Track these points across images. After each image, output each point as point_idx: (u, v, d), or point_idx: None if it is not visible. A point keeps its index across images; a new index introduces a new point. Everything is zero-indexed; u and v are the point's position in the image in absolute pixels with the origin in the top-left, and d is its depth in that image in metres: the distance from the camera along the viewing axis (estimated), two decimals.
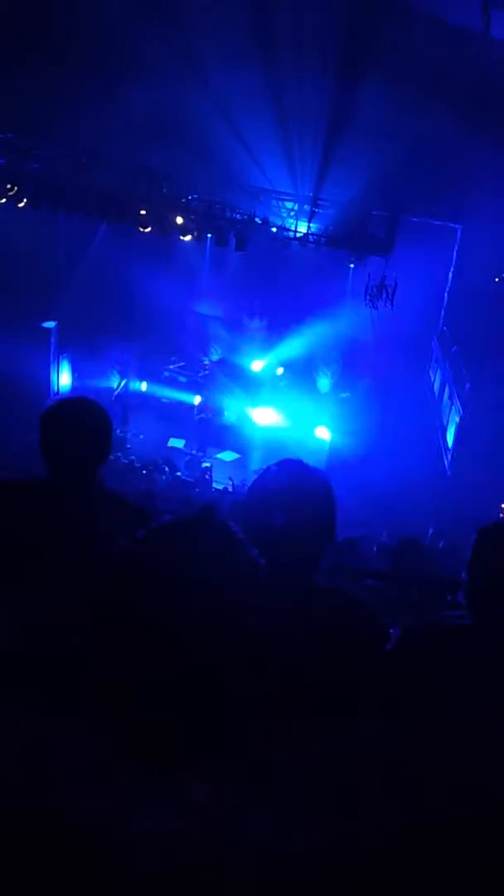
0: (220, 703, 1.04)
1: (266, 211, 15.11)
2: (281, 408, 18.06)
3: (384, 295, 14.60)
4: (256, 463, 15.53)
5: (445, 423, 16.51)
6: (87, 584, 1.18)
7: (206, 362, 19.65)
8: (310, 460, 2.14)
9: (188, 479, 15.59)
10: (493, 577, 2.18)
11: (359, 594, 2.15)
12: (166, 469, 15.23)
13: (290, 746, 1.13)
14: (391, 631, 2.25)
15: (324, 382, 18.92)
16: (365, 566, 6.38)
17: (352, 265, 15.80)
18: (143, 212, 14.94)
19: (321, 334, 17.77)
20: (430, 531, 10.14)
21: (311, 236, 15.02)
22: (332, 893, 0.96)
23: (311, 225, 15.10)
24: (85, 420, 2.62)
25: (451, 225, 16.69)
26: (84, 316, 18.01)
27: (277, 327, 19.14)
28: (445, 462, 15.70)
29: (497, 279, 15.91)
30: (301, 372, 18.87)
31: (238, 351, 19.54)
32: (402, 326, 16.59)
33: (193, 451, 17.14)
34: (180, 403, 18.73)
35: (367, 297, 14.83)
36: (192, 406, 18.41)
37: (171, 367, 19.66)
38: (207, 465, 16.36)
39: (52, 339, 17.55)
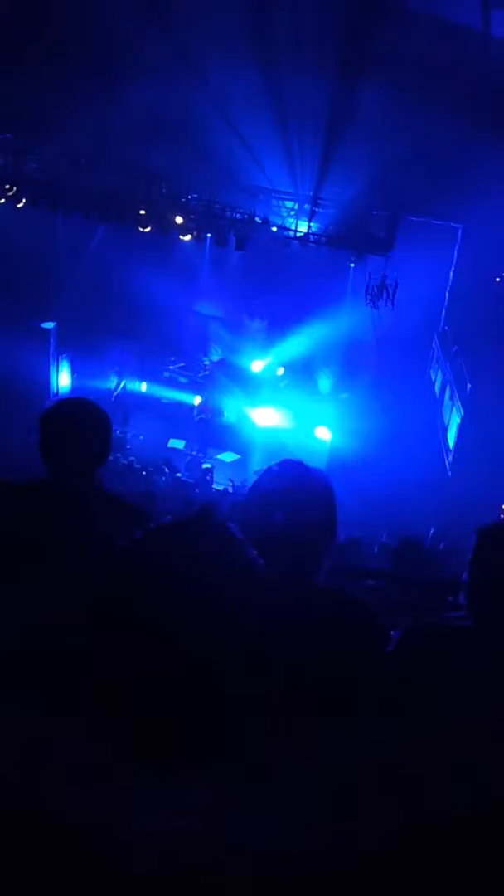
0: (220, 703, 1.04)
1: (266, 210, 15.11)
2: (281, 408, 18.06)
3: (385, 295, 14.61)
4: (257, 463, 15.53)
5: (446, 423, 16.50)
6: (86, 585, 1.18)
7: (206, 363, 19.65)
8: (310, 461, 2.14)
9: (188, 479, 15.60)
10: (494, 578, 2.17)
11: (359, 595, 2.15)
12: (166, 470, 15.23)
13: (290, 747, 1.13)
14: (392, 632, 2.24)
15: (324, 383, 18.93)
16: (365, 566, 6.38)
17: (352, 265, 15.79)
18: (142, 211, 14.94)
19: (321, 334, 17.76)
20: (431, 532, 10.13)
21: (311, 236, 15.01)
22: (332, 893, 0.96)
23: (312, 224, 15.10)
24: (84, 421, 2.62)
25: (452, 224, 16.68)
26: (83, 316, 18.01)
27: (278, 327, 19.13)
28: (446, 462, 15.69)
29: (498, 279, 15.92)
30: (301, 372, 18.87)
31: (238, 351, 19.54)
32: (402, 326, 16.59)
33: (193, 452, 17.14)
34: (180, 404, 18.73)
35: (368, 297, 14.83)
36: (192, 406, 18.41)
37: (171, 367, 19.66)
38: (208, 465, 16.36)
39: (52, 340, 17.55)
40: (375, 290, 14.70)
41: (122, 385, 18.37)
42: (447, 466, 15.54)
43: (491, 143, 12.72)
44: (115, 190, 14.64)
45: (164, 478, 14.95)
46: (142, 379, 19.24)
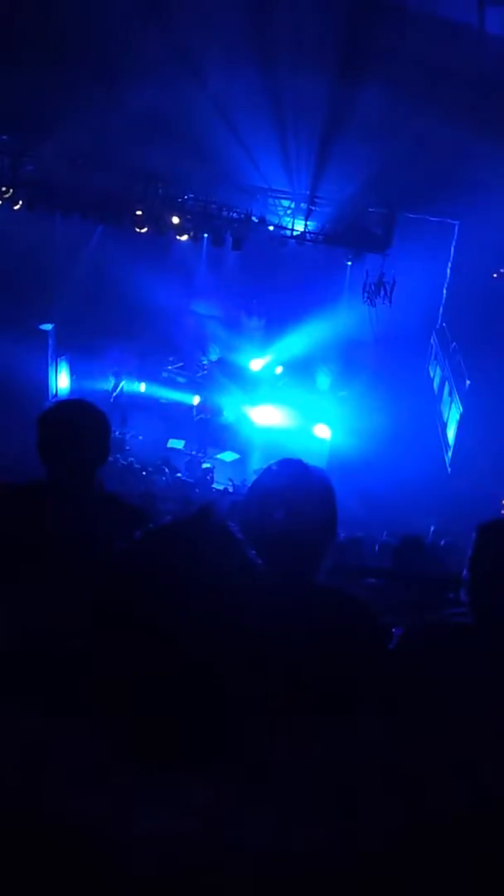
0: (220, 703, 1.04)
1: (263, 209, 15.11)
2: (280, 407, 18.04)
3: (382, 292, 14.61)
4: (256, 463, 15.53)
5: (445, 420, 16.50)
6: (86, 586, 1.18)
7: (205, 362, 19.63)
8: (310, 459, 2.14)
9: (188, 479, 15.59)
10: (495, 574, 2.17)
11: (359, 594, 2.15)
12: (166, 470, 15.22)
13: (290, 746, 1.13)
14: (393, 630, 2.24)
15: (323, 381, 18.91)
16: (366, 565, 6.38)
17: (349, 263, 15.80)
18: (139, 212, 14.93)
19: (320, 332, 17.74)
20: (432, 529, 10.13)
21: (308, 234, 15.01)
22: (332, 893, 0.96)
23: (308, 223, 15.09)
24: (83, 422, 2.62)
25: (449, 221, 16.68)
26: (82, 317, 18.00)
27: (276, 326, 19.12)
28: (446, 459, 15.69)
29: (495, 275, 15.92)
30: (300, 370, 18.85)
31: (237, 350, 19.53)
32: (400, 323, 16.59)
33: (193, 452, 17.13)
34: (179, 404, 18.71)
35: (366, 295, 14.83)
36: (191, 406, 18.40)
37: (170, 367, 19.65)
38: (208, 465, 16.35)
39: (50, 341, 17.53)
40: (373, 287, 14.70)
41: (120, 386, 18.36)
42: (447, 463, 15.54)
43: (488, 140, 12.72)
44: (112, 190, 14.63)
45: (163, 478, 14.95)
46: (140, 379, 19.22)
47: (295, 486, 2.02)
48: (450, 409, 15.98)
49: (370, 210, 14.71)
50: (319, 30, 12.96)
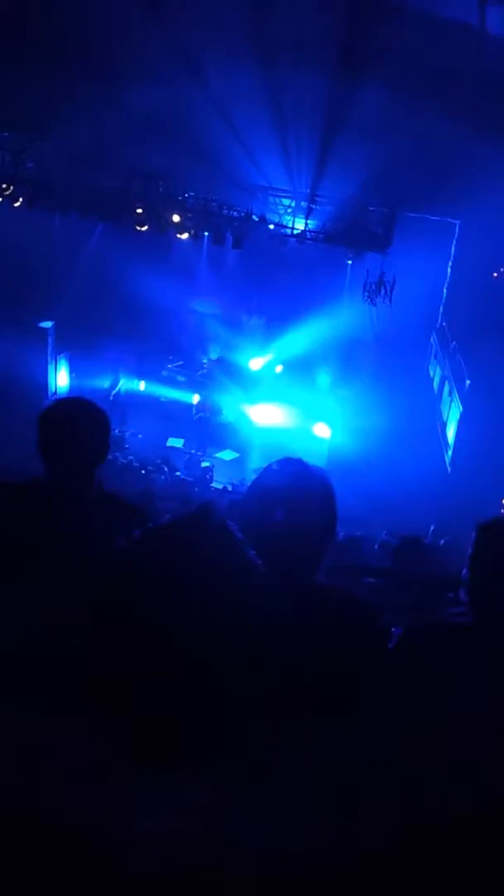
0: (220, 703, 1.04)
1: (263, 208, 15.09)
2: (280, 406, 18.03)
3: (383, 291, 14.60)
4: (256, 462, 15.52)
5: (445, 419, 16.49)
6: (85, 585, 1.17)
7: (205, 361, 19.62)
8: (310, 458, 2.13)
9: (187, 478, 15.58)
10: (494, 574, 2.17)
11: (359, 593, 2.14)
12: (165, 468, 15.21)
13: (290, 746, 1.13)
14: (393, 630, 2.24)
15: (323, 380, 18.90)
16: (366, 564, 6.37)
17: (350, 262, 15.79)
18: (139, 210, 14.91)
19: (320, 331, 17.73)
20: (431, 528, 10.12)
21: (308, 233, 15.00)
22: (332, 893, 0.96)
23: (309, 222, 15.08)
24: (82, 420, 2.61)
25: (450, 220, 16.67)
26: (81, 315, 17.98)
27: (276, 325, 19.11)
28: (446, 459, 15.68)
29: (495, 274, 15.92)
30: (300, 369, 18.84)
31: (237, 349, 19.51)
32: (400, 322, 16.58)
33: (192, 451, 17.12)
34: (179, 403, 18.70)
35: (366, 294, 14.82)
36: (190, 405, 18.39)
37: (170, 366, 19.63)
38: (207, 464, 16.34)
39: (50, 339, 17.51)
40: (373, 286, 14.70)
41: (119, 384, 18.35)
42: (446, 462, 15.53)
43: (488, 140, 12.72)
44: (113, 189, 14.62)
45: (163, 476, 14.94)
46: (140, 378, 19.21)
47: (295, 485, 2.01)
48: (450, 408, 15.98)
49: (371, 209, 14.70)
50: (320, 29, 12.95)
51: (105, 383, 18.17)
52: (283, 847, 0.95)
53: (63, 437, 2.56)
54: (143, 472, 14.67)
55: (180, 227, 15.33)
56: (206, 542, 1.10)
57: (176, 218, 15.04)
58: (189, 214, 15.05)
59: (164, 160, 14.43)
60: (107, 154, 14.45)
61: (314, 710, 1.51)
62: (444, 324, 17.86)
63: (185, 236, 15.81)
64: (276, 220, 15.10)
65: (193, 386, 18.85)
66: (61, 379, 18.14)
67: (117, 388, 18.24)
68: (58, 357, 17.93)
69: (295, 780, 1.07)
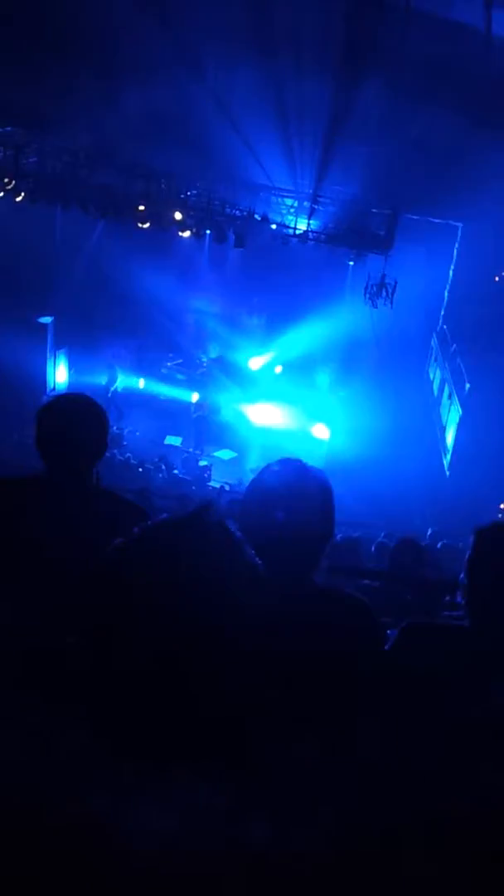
0: (219, 702, 1.03)
1: (265, 207, 15.09)
2: (279, 406, 18.06)
3: (384, 293, 14.60)
4: (254, 461, 15.53)
5: (444, 422, 16.51)
6: (83, 582, 1.17)
7: (204, 359, 19.64)
8: (308, 459, 2.13)
9: (185, 477, 15.59)
10: (492, 578, 2.16)
11: (356, 594, 2.14)
12: (163, 467, 15.21)
13: (288, 747, 1.13)
14: (388, 632, 2.24)
15: (322, 381, 18.93)
16: (363, 566, 6.38)
17: (351, 263, 15.79)
18: (141, 207, 14.92)
19: (320, 332, 17.76)
20: (429, 531, 10.13)
21: (310, 233, 15.00)
22: (332, 893, 0.96)
23: (311, 222, 15.08)
24: (81, 416, 2.61)
25: (452, 223, 16.69)
26: (81, 311, 18.00)
27: (276, 325, 19.13)
28: (444, 462, 15.70)
29: (497, 278, 15.93)
30: (300, 370, 18.87)
31: (236, 348, 19.54)
32: (401, 325, 16.61)
33: (190, 449, 17.13)
34: (178, 401, 18.72)
35: (367, 296, 14.82)
36: (189, 403, 18.41)
37: (169, 363, 19.65)
38: (205, 463, 16.35)
39: (49, 335, 17.52)
40: (374, 288, 14.70)
41: (117, 381, 18.36)
42: (445, 466, 15.55)
43: (492, 143, 12.72)
44: (115, 185, 14.62)
45: (160, 475, 14.94)
46: (139, 375, 19.23)
47: (294, 485, 2.01)
48: (449, 411, 16.00)
49: (373, 211, 14.70)
50: (324, 29, 12.96)
51: (103, 380, 18.19)
52: (283, 847, 0.95)
53: (61, 432, 2.56)
54: (140, 469, 14.67)
55: (182, 225, 15.33)
56: (206, 541, 1.09)
57: (178, 216, 15.04)
58: (191, 212, 15.05)
59: (167, 158, 14.43)
60: (109, 151, 14.45)
61: (313, 709, 1.50)
62: (444, 327, 17.88)
63: (186, 234, 15.82)
64: (279, 220, 15.10)
65: (192, 384, 18.88)
66: (60, 375, 18.15)
67: (115, 385, 18.25)
68: (57, 352, 17.94)
69: (294, 781, 1.06)
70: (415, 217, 15.76)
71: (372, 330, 16.77)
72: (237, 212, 14.94)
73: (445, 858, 1.03)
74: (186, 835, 0.91)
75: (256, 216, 14.93)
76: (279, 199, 15.43)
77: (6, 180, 14.86)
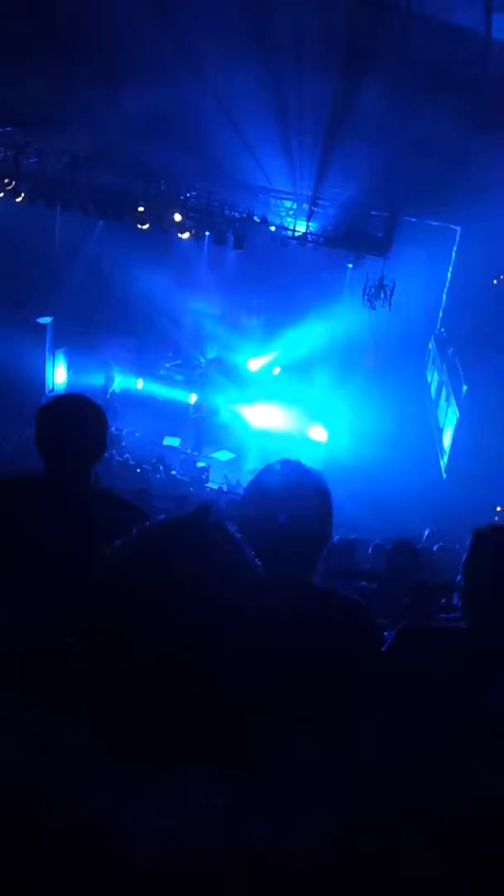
0: (219, 703, 1.04)
1: (265, 209, 15.10)
2: (277, 408, 18.06)
3: (382, 295, 14.61)
4: (252, 462, 15.53)
5: (442, 425, 16.52)
6: (82, 582, 1.17)
7: (203, 361, 19.64)
8: (306, 461, 2.13)
9: (183, 478, 15.59)
10: (488, 580, 2.17)
11: (353, 596, 2.15)
12: (161, 468, 15.21)
13: (288, 747, 1.13)
14: (385, 634, 2.24)
15: (320, 382, 18.93)
16: (359, 568, 6.38)
17: (350, 265, 15.81)
18: (140, 208, 14.92)
19: (318, 334, 17.77)
20: (426, 533, 10.14)
21: (309, 235, 15.01)
22: (331, 893, 0.96)
23: (310, 224, 15.10)
24: (80, 417, 2.61)
25: (451, 226, 16.71)
26: (81, 312, 18.00)
27: (275, 326, 19.13)
28: (441, 464, 15.71)
29: (496, 281, 15.94)
30: (298, 371, 18.87)
31: (235, 349, 19.54)
32: (399, 327, 16.61)
33: (189, 450, 17.13)
34: (176, 401, 18.72)
35: (365, 298, 14.84)
36: (187, 404, 18.40)
37: (168, 364, 19.64)
38: (203, 464, 16.35)
39: (48, 335, 17.52)
40: (373, 290, 14.71)
41: (115, 382, 18.36)
42: (442, 468, 15.56)
43: (491, 146, 12.74)
44: (114, 186, 14.63)
45: (158, 475, 14.93)
46: (138, 376, 19.22)
47: (292, 487, 2.01)
48: (446, 414, 16.01)
49: (372, 213, 14.72)
50: (324, 30, 12.96)
51: (101, 380, 18.19)
52: (283, 847, 0.95)
53: (61, 433, 2.56)
54: (138, 470, 14.66)
55: (181, 227, 15.34)
56: (205, 542, 1.09)
57: (177, 217, 15.05)
58: (190, 214, 15.06)
59: (167, 159, 14.43)
60: (109, 152, 14.45)
61: (312, 710, 1.51)
62: (442, 329, 17.90)
63: (185, 235, 15.82)
64: (278, 221, 15.11)
65: (191, 385, 18.87)
66: (59, 375, 18.15)
67: (113, 386, 18.25)
68: (56, 353, 17.93)
69: (294, 780, 1.07)
70: (413, 219, 15.78)
71: (370, 332, 16.78)
72: (236, 213, 14.95)
73: (445, 858, 1.03)
74: (186, 835, 0.91)
75: (256, 218, 14.94)
76: (278, 201, 15.44)
77: (6, 181, 14.87)
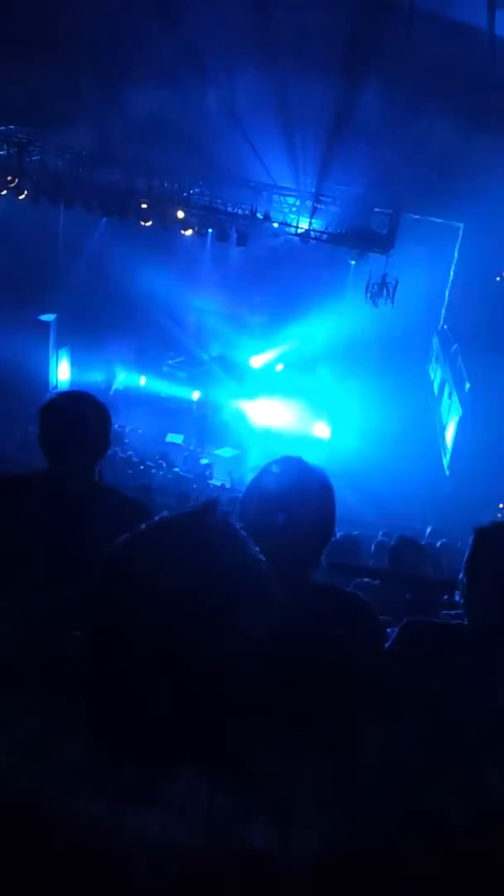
0: (220, 702, 1.04)
1: (268, 206, 15.09)
2: (280, 405, 18.04)
3: (385, 292, 14.59)
4: (255, 459, 15.52)
5: (444, 422, 16.50)
6: (86, 579, 1.17)
7: (206, 357, 19.63)
8: (309, 457, 2.13)
9: (186, 474, 15.59)
10: (491, 577, 2.17)
11: (356, 592, 2.15)
12: (163, 464, 15.21)
13: (289, 746, 1.13)
14: (388, 630, 2.24)
15: (323, 379, 18.91)
16: (362, 564, 6.38)
17: (353, 262, 15.78)
18: (143, 206, 14.92)
19: (321, 331, 17.74)
20: (429, 530, 10.14)
21: (312, 233, 15.00)
22: (332, 893, 0.96)
23: (313, 221, 15.07)
24: (84, 413, 2.61)
25: (454, 223, 16.68)
26: (84, 309, 17.99)
27: (278, 323, 19.11)
28: (444, 461, 15.69)
29: (498, 278, 15.91)
30: (301, 368, 18.85)
31: (238, 346, 19.52)
32: (402, 324, 16.58)
33: (192, 447, 17.12)
34: (179, 398, 18.71)
35: (368, 295, 14.82)
36: (190, 401, 18.39)
37: (171, 361, 19.63)
38: (206, 461, 16.34)
39: (52, 332, 17.52)
40: (376, 287, 14.70)
41: (118, 379, 18.36)
42: (445, 465, 15.54)
43: (493, 143, 12.71)
44: (118, 184, 14.63)
45: (161, 472, 14.93)
46: (141, 373, 19.21)
47: (295, 484, 2.01)
48: (449, 411, 15.99)
49: (375, 210, 14.70)
50: (327, 29, 12.95)
51: (106, 377, 18.19)
52: (283, 847, 0.95)
53: (65, 430, 2.56)
54: (141, 467, 14.66)
55: (184, 224, 15.33)
56: (210, 538, 1.09)
57: (180, 214, 15.04)
58: (193, 211, 15.06)
59: (170, 156, 14.42)
60: (112, 149, 14.45)
61: (313, 709, 1.51)
62: (445, 326, 17.86)
63: (188, 233, 15.81)
64: (281, 218, 15.10)
65: (194, 382, 18.86)
66: (62, 372, 18.15)
67: (116, 383, 18.25)
68: (59, 350, 17.94)
69: (294, 781, 1.07)
70: (416, 217, 15.76)
71: (373, 329, 16.76)
72: (239, 210, 14.94)
73: (445, 858, 1.03)
74: (186, 835, 0.92)
75: (259, 215, 14.93)
76: (281, 198, 15.43)
77: (9, 178, 14.87)
